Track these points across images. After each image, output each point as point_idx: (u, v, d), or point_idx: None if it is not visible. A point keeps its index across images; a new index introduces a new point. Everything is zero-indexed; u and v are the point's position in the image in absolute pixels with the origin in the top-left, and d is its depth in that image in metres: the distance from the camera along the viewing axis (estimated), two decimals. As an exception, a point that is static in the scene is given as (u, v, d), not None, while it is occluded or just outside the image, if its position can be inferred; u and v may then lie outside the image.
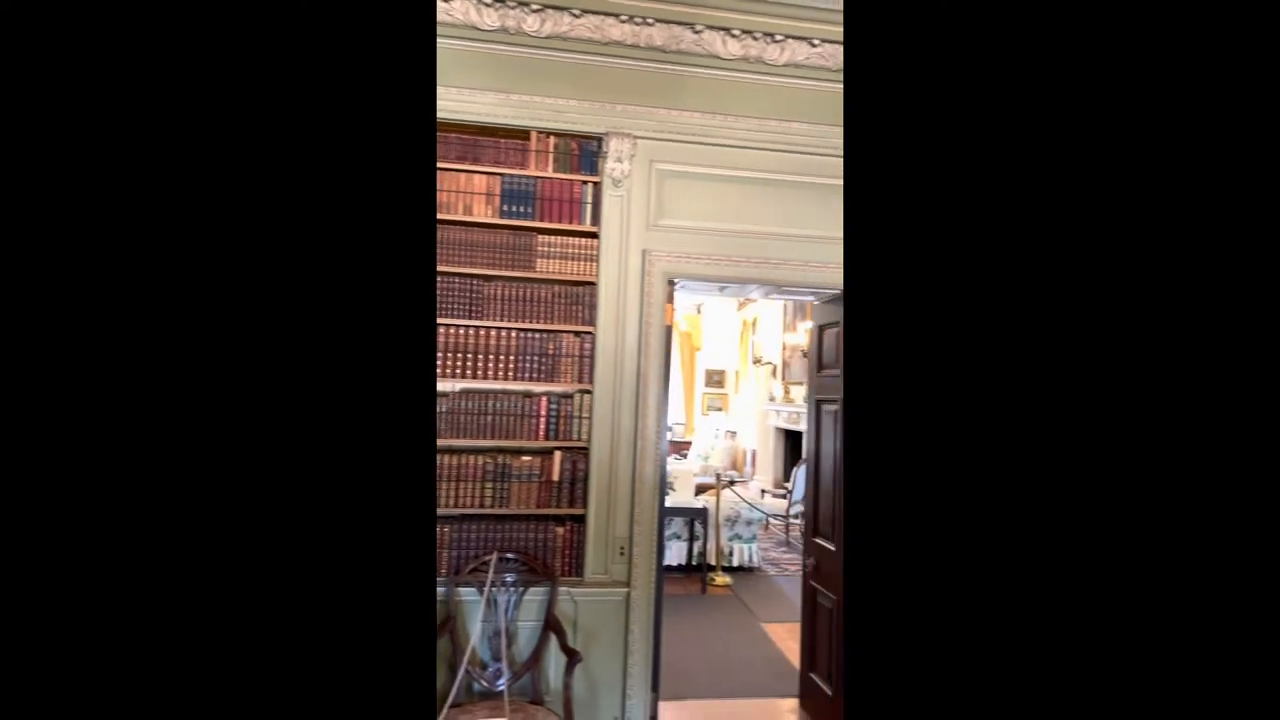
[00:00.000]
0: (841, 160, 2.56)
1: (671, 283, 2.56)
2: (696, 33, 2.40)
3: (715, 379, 9.89)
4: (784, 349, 7.80)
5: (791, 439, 7.57)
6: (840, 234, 2.58)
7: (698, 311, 9.58)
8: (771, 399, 8.09)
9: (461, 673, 2.18)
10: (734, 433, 9.28)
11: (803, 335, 6.71)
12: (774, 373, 8.14)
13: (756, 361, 8.79)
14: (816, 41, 2.45)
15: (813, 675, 2.87)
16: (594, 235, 2.46)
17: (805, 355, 5.08)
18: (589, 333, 2.46)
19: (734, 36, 2.42)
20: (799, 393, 7.06)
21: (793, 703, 3.01)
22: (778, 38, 2.43)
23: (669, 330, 2.57)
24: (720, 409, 9.75)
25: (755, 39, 2.42)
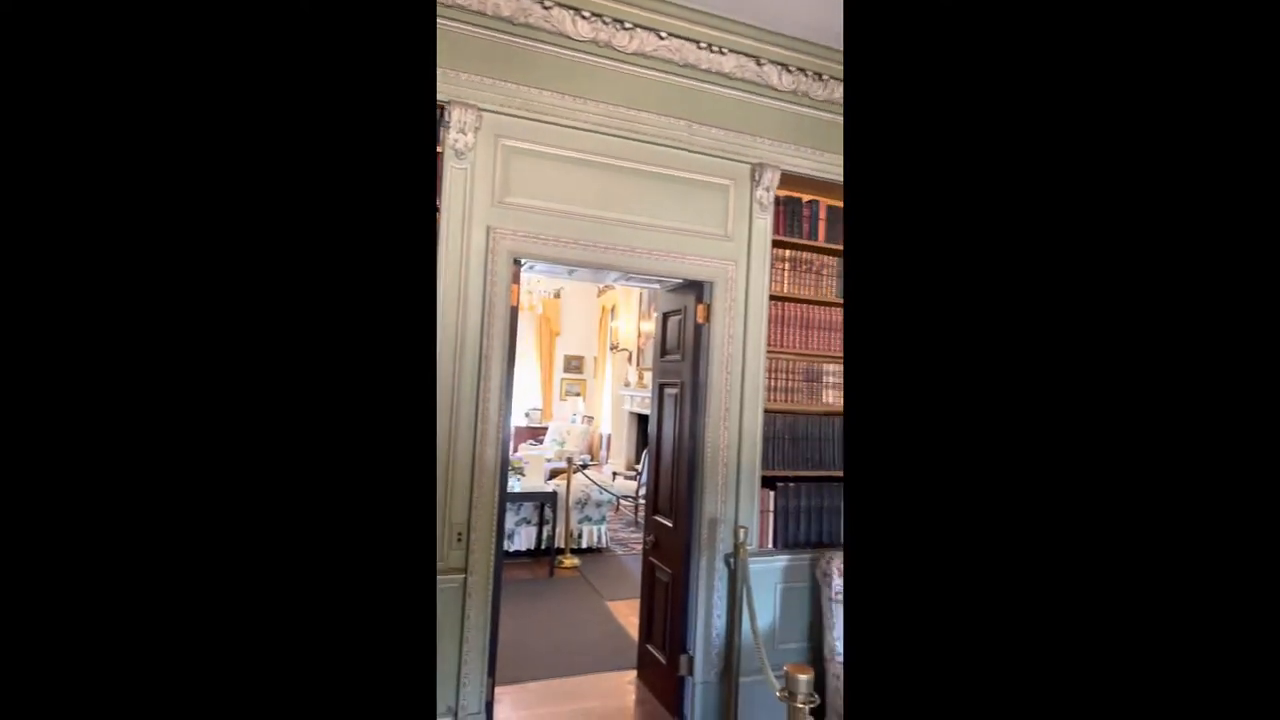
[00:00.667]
0: (688, 153, 2.66)
1: (518, 262, 2.51)
2: (546, 8, 2.36)
3: (574, 364, 9.91)
4: (639, 336, 8.01)
5: (644, 422, 7.82)
6: (688, 226, 2.69)
7: (556, 297, 9.51)
8: (627, 384, 8.29)
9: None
10: (591, 418, 9.38)
11: (657, 323, 6.92)
12: (630, 358, 8.33)
13: (614, 348, 8.95)
14: (664, 34, 2.51)
15: (649, 646, 3.01)
16: (434, 208, 2.34)
17: (657, 342, 5.26)
18: (427, 311, 2.34)
19: (584, 18, 2.40)
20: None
21: (631, 674, 3.13)
22: (627, 25, 2.46)
23: (515, 311, 2.52)
24: (579, 394, 9.80)
25: (605, 23, 2.43)
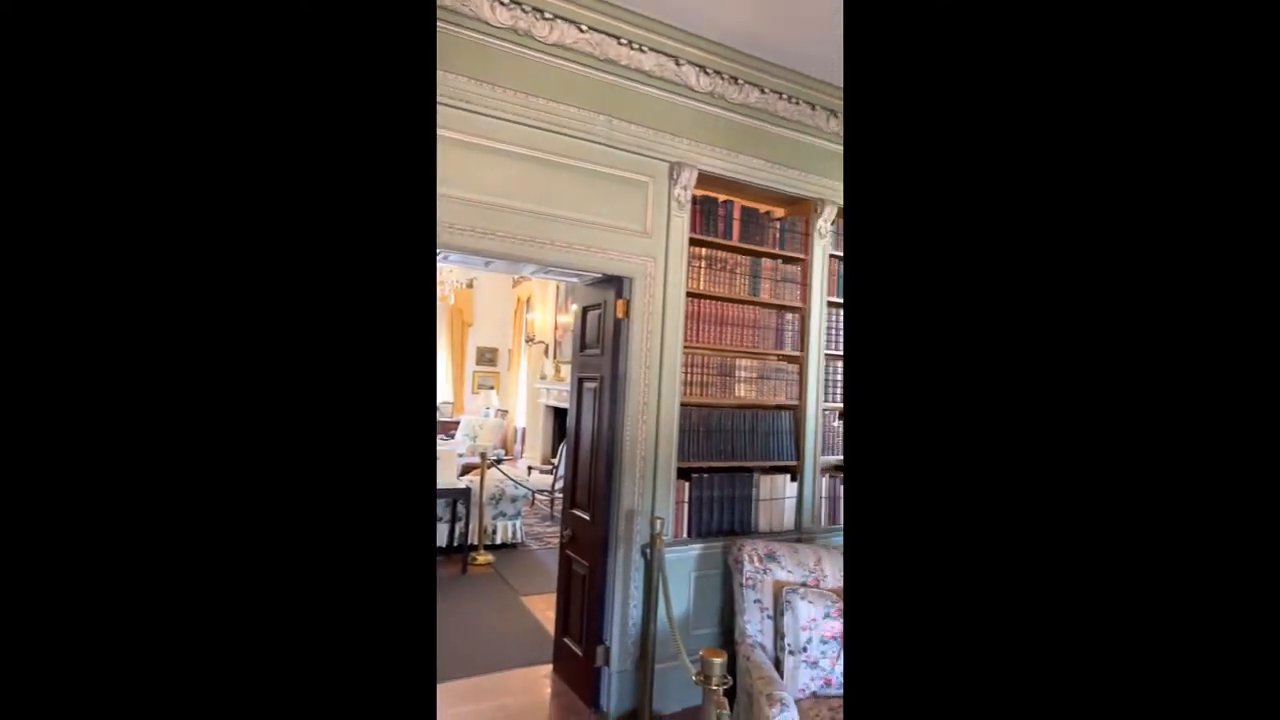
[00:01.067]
0: (608, 149, 2.67)
1: (431, 253, 2.43)
2: (463, -9, 2.28)
3: (487, 357, 9.68)
4: (556, 328, 7.94)
5: (561, 416, 7.78)
6: (608, 221, 2.70)
7: (469, 286, 9.24)
8: (543, 377, 8.20)
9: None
10: (505, 411, 9.21)
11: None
12: (546, 351, 8.24)
13: (530, 340, 8.82)
14: (584, 28, 2.50)
15: (566, 639, 3.02)
16: (340, 193, 2.21)
17: (574, 335, 5.22)
18: (332, 301, 2.21)
19: (503, 4, 2.35)
20: (570, 371, 7.26)
21: (547, 668, 3.13)
22: (547, 15, 2.42)
23: (427, 303, 2.44)
24: (492, 387, 9.59)
25: (525, 11, 2.38)
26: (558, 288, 7.88)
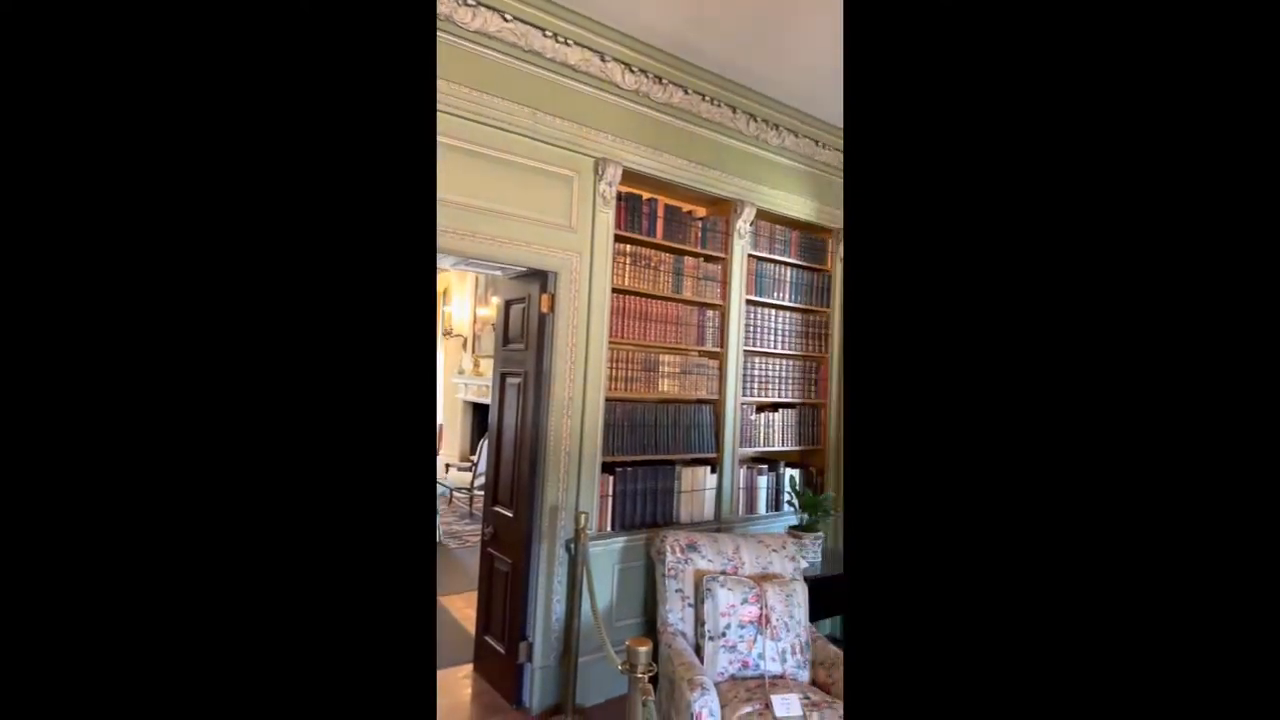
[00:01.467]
0: (532, 141, 2.63)
1: (344, 242, 2.31)
2: (380, -32, 2.18)
3: (401, 350, 9.29)
4: (475, 321, 7.75)
5: (480, 412, 7.61)
6: (532, 215, 2.67)
7: (383, 276, 8.81)
8: (461, 372, 7.98)
9: None
10: (420, 407, 8.88)
11: (494, 309, 6.74)
12: (465, 345, 8.02)
13: (447, 333, 8.54)
14: (509, 17, 2.45)
15: (487, 638, 2.98)
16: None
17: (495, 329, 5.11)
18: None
19: (423, -14, 2.26)
20: (489, 365, 7.11)
21: (467, 668, 3.07)
22: (469, 1, 2.36)
23: (340, 295, 2.32)
24: (406, 382, 9.21)
25: (446, -5, 2.31)
26: (477, 279, 7.68)
